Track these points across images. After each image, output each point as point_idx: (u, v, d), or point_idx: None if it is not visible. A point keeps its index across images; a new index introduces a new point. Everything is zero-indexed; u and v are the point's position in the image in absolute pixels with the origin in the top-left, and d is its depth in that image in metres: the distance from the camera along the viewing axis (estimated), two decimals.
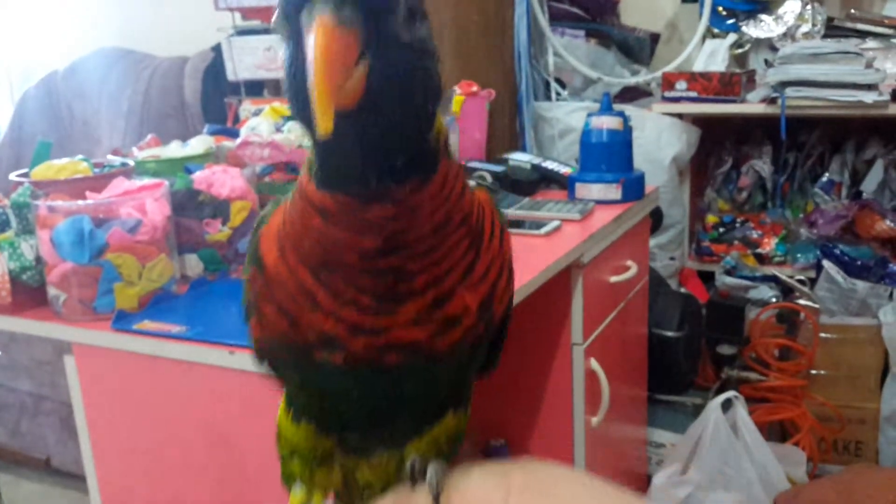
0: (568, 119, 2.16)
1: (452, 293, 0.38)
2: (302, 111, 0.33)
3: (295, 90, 0.33)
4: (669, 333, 1.97)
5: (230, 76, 1.96)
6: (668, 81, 2.26)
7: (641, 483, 1.99)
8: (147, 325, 1.05)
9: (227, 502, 1.07)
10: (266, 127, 1.48)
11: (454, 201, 0.38)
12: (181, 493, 1.11)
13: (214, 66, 2.32)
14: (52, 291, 1.11)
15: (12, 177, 1.24)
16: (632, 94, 2.44)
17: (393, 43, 0.33)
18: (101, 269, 1.07)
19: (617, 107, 1.85)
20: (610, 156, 1.70)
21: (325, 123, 0.31)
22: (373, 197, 0.35)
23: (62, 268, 1.08)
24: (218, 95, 2.19)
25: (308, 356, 0.38)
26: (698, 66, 2.35)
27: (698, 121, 2.32)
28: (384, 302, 0.36)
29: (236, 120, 1.91)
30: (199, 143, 1.38)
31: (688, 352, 2.04)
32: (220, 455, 1.06)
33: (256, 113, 1.64)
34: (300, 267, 0.37)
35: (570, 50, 2.29)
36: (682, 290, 2.25)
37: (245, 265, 0.43)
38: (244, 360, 0.98)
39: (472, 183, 0.43)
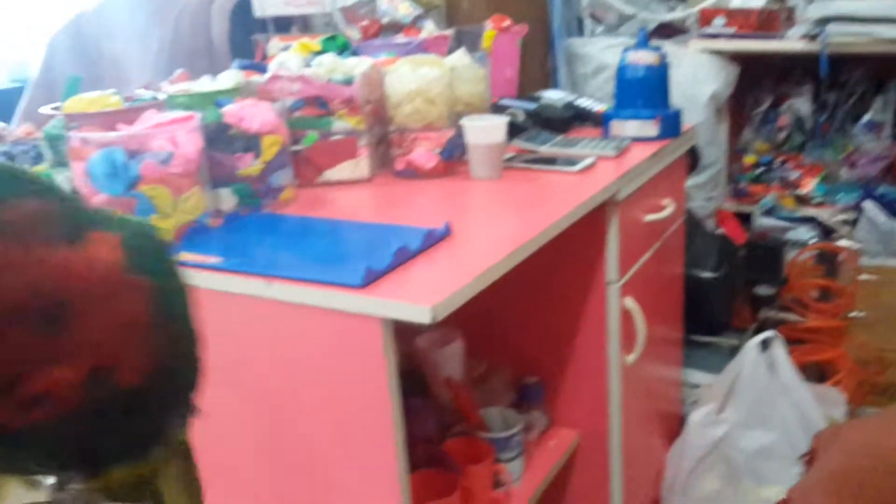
0: (602, 56, 2.11)
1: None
2: None
3: None
4: (706, 275, 1.95)
5: (257, 13, 1.93)
6: (705, 17, 2.19)
7: (676, 423, 1.98)
8: (184, 255, 1.04)
9: (266, 434, 1.08)
10: (295, 62, 1.46)
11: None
12: (214, 422, 1.12)
13: (242, 5, 2.29)
14: None
15: (44, 110, 1.24)
16: (668, 30, 2.38)
17: None
18: (135, 201, 1.07)
19: (653, 43, 1.80)
20: (646, 92, 1.66)
21: None
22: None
23: (97, 199, 1.08)
24: (245, 34, 2.16)
25: None
26: (736, 2, 2.27)
27: (736, 58, 2.26)
28: None
29: (264, 58, 1.89)
30: (229, 78, 1.37)
31: (724, 293, 2.02)
32: (253, 386, 1.06)
33: (285, 49, 1.62)
34: None
35: None
36: (719, 231, 2.22)
37: None
38: (281, 290, 0.98)
39: None
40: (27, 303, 0.32)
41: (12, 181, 0.33)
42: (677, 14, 2.33)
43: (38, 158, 1.15)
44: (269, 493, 1.11)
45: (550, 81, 2.14)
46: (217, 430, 1.12)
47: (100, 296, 0.33)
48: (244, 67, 1.49)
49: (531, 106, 1.76)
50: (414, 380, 1.44)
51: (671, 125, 1.67)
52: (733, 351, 2.03)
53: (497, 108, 1.74)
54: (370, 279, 0.95)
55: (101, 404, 0.35)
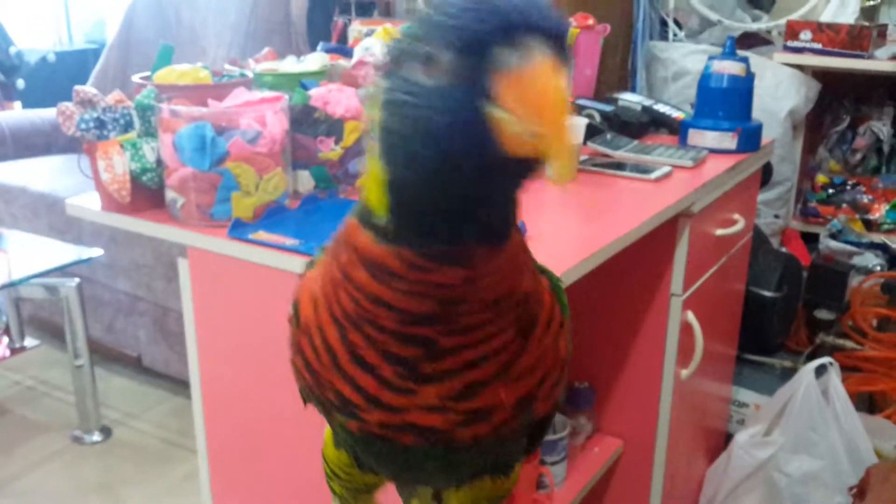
0: (683, 61, 2.07)
1: (485, 384, 0.33)
2: (445, 161, 0.27)
3: (449, 137, 0.28)
4: (767, 293, 1.91)
5: None
6: (791, 30, 2.14)
7: (720, 440, 1.96)
8: (262, 235, 1.06)
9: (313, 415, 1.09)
10: (380, 48, 1.46)
11: (515, 279, 0.33)
12: (281, 404, 1.14)
13: None
14: (170, 195, 1.13)
15: (135, 78, 1.26)
16: (751, 40, 2.33)
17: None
18: (220, 177, 1.08)
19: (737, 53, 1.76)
20: (728, 103, 1.63)
21: (570, 171, 0.27)
22: (450, 258, 0.31)
23: (182, 172, 1.09)
24: (324, 13, 2.17)
25: (328, 414, 0.35)
26: (826, 17, 2.21)
27: (818, 74, 2.20)
28: (405, 379, 0.32)
29: (342, 39, 1.89)
30: (315, 60, 1.37)
31: (783, 314, 1.98)
32: None
33: (368, 34, 1.62)
34: (329, 323, 0.33)
35: None
36: (784, 249, 2.17)
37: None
38: None
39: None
40: (517, 304, 0.31)
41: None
42: (762, 24, 2.27)
43: (127, 126, 1.17)
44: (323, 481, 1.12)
45: (629, 83, 2.11)
46: (284, 408, 1.14)
47: (543, 325, 0.34)
48: (329, 51, 1.49)
49: (608, 108, 1.74)
50: None
51: (751, 139, 1.64)
52: (785, 373, 2.00)
53: (573, 108, 1.73)
54: None
55: (519, 429, 0.35)
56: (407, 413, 0.32)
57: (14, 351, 2.26)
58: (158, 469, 2.05)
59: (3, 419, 2.28)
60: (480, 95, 0.27)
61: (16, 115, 3.11)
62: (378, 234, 0.31)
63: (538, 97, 0.26)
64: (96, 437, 2.17)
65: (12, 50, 3.77)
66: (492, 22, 0.27)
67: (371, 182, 0.31)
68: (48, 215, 2.46)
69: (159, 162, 1.14)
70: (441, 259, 0.31)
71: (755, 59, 2.05)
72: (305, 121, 1.22)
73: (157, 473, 2.03)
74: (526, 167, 0.29)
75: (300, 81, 1.29)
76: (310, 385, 0.35)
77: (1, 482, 2.00)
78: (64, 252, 2.16)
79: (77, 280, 2.08)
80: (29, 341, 2.36)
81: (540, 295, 0.35)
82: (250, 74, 1.29)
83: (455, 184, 0.28)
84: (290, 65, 1.37)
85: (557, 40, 0.28)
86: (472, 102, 0.27)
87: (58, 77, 3.87)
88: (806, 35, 2.11)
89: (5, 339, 2.34)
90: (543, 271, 0.36)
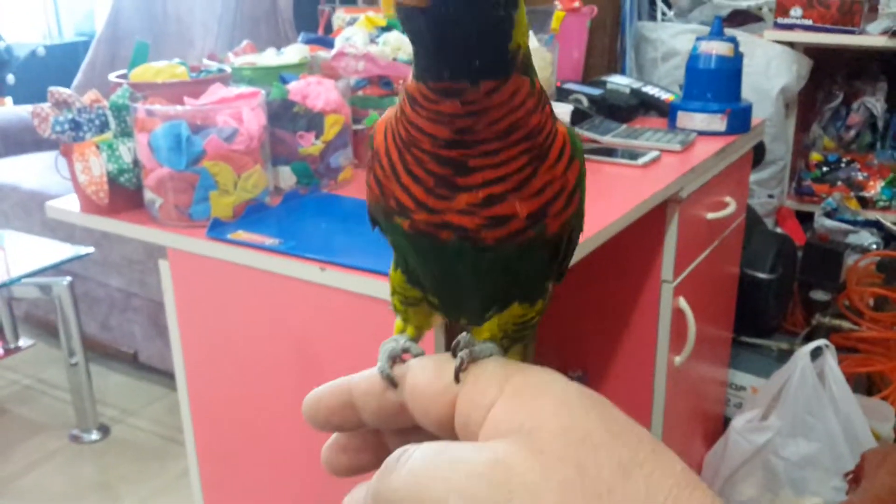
0: (672, 42, 2.04)
1: (503, 198, 0.41)
2: None
3: None
4: (761, 275, 1.90)
5: None
6: (782, 7, 2.11)
7: (718, 424, 1.96)
8: (241, 234, 1.04)
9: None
10: (361, 37, 1.44)
11: (520, 116, 0.41)
12: (264, 398, 1.13)
13: None
14: (148, 195, 1.12)
15: (111, 77, 1.24)
16: (741, 17, 2.30)
17: None
18: (197, 176, 1.07)
19: (726, 31, 1.73)
20: (717, 84, 1.61)
21: (386, 6, 0.40)
22: (447, 92, 0.39)
23: (159, 172, 1.08)
24: (311, 2, 2.15)
25: (390, 219, 0.43)
26: None
27: (810, 51, 2.17)
28: (443, 188, 0.41)
29: (328, 28, 1.87)
30: (294, 53, 1.35)
31: (778, 295, 1.97)
32: (304, 368, 1.07)
33: (351, 22, 1.60)
34: (392, 146, 0.42)
35: None
36: (779, 230, 2.16)
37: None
38: (334, 276, 0.97)
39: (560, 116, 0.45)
40: (527, 135, 0.41)
41: None
42: (752, 1, 2.24)
43: (103, 127, 1.15)
44: (308, 473, 1.12)
45: (618, 65, 2.09)
46: (270, 408, 1.13)
47: (553, 158, 0.42)
48: (309, 41, 1.47)
49: (596, 92, 1.72)
50: None
51: (741, 120, 1.62)
52: (782, 355, 1.99)
53: (561, 93, 1.70)
54: None
55: (530, 242, 0.44)
56: (444, 215, 0.42)
57: (8, 351, 2.26)
58: (156, 466, 2.05)
59: (0, 419, 2.28)
60: None
61: (5, 111, 3.10)
62: (412, 73, 0.40)
63: None
64: (94, 435, 2.16)
65: (1, 45, 3.75)
66: None
67: None
68: (40, 213, 2.44)
69: (136, 162, 1.13)
70: (441, 92, 0.39)
71: (744, 37, 2.03)
72: (285, 115, 1.20)
73: (154, 471, 2.03)
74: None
75: (279, 75, 1.28)
76: (377, 196, 0.44)
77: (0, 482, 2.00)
78: (56, 250, 2.14)
79: (69, 279, 2.07)
80: (23, 341, 2.36)
81: (552, 133, 0.43)
82: (228, 69, 1.27)
83: (435, 28, 0.38)
84: (270, 58, 1.35)
85: None
86: None
87: (48, 71, 3.85)
88: (796, 11, 2.08)
89: None
90: (570, 129, 0.44)
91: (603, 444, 0.31)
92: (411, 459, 0.35)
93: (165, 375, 2.38)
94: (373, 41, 1.48)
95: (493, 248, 0.43)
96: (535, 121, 0.42)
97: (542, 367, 0.40)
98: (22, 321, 2.52)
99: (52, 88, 1.18)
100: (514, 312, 0.49)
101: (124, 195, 1.15)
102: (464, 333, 0.47)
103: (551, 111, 0.43)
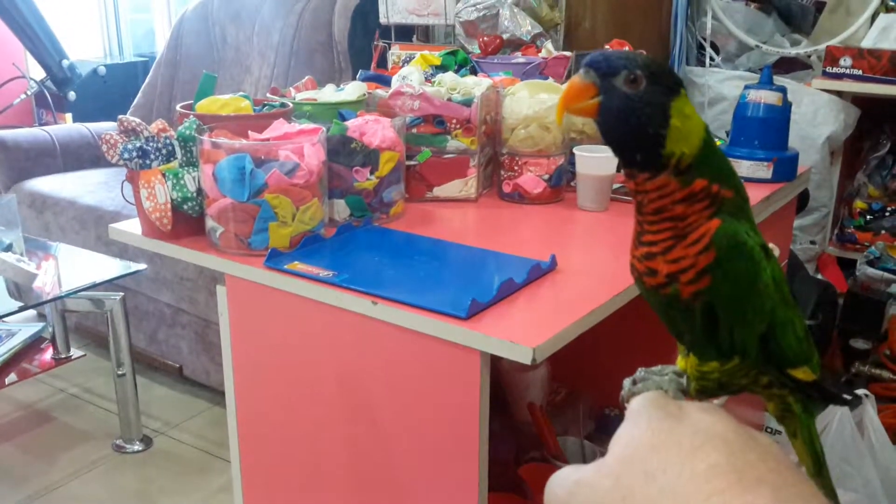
0: (720, 87, 2.07)
1: (653, 256, 0.57)
2: None
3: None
4: None
5: (382, 19, 1.97)
6: (831, 56, 2.12)
7: None
8: (297, 266, 1.09)
9: (355, 445, 1.12)
10: (417, 76, 1.49)
11: (665, 204, 0.56)
12: (312, 427, 1.17)
13: (364, 6, 2.35)
14: (209, 223, 1.17)
15: (179, 108, 1.31)
16: (788, 64, 2.32)
17: (614, 92, 0.55)
18: (258, 208, 1.12)
19: (773, 79, 1.75)
20: (764, 132, 1.63)
21: (558, 118, 0.60)
22: (628, 174, 0.57)
23: (222, 203, 1.13)
24: (365, 36, 2.21)
25: (633, 273, 0.60)
26: (867, 42, 2.19)
27: (857, 100, 2.18)
28: (637, 239, 0.59)
29: (381, 62, 1.93)
30: (353, 90, 1.41)
31: (818, 342, 1.96)
32: (351, 398, 1.10)
33: (407, 60, 1.65)
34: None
35: (728, 13, 2.18)
36: (819, 276, 2.15)
37: None
38: (385, 311, 1.01)
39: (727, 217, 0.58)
40: (672, 218, 0.56)
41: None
42: (801, 49, 2.26)
43: (169, 156, 1.21)
44: (350, 498, 1.15)
45: None
46: (315, 433, 1.17)
47: (691, 239, 0.56)
48: (367, 79, 1.52)
49: None
50: (494, 400, 1.46)
51: (787, 169, 1.64)
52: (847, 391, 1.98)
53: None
54: (474, 311, 0.98)
55: (670, 297, 0.58)
56: (635, 259, 0.59)
57: (59, 361, 2.33)
58: (196, 480, 2.10)
59: (47, 427, 2.35)
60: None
61: (66, 127, 3.21)
62: None
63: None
64: (137, 446, 2.22)
65: (64, 63, 3.88)
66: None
67: None
68: (95, 228, 2.54)
69: (200, 191, 1.18)
70: (627, 175, 0.57)
71: (792, 85, 2.05)
72: (342, 151, 1.25)
73: (194, 484, 2.08)
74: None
75: (338, 111, 1.33)
76: (630, 257, 0.60)
77: (43, 489, 2.06)
78: (110, 266, 2.22)
79: (122, 294, 2.15)
80: (74, 351, 2.43)
81: (696, 224, 0.55)
82: (290, 104, 1.33)
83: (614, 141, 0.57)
84: (329, 94, 1.41)
85: (590, 67, 0.56)
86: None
87: (108, 90, 3.98)
88: (846, 61, 2.09)
89: (50, 349, 2.41)
90: (732, 228, 0.56)
91: (640, 458, 0.37)
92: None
93: (209, 390, 2.44)
94: (427, 79, 1.53)
95: (653, 291, 0.58)
96: (678, 210, 0.56)
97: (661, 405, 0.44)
98: (72, 331, 2.61)
99: (122, 117, 1.25)
100: (692, 360, 0.62)
101: (186, 221, 1.21)
102: (641, 368, 0.63)
103: (708, 207, 0.56)
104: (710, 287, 0.57)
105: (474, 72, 1.68)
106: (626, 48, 1.83)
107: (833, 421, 1.73)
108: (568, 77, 1.68)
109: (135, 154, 1.20)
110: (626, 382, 0.63)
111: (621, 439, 0.40)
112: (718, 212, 0.56)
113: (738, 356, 0.61)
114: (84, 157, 3.04)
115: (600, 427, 1.55)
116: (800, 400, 0.67)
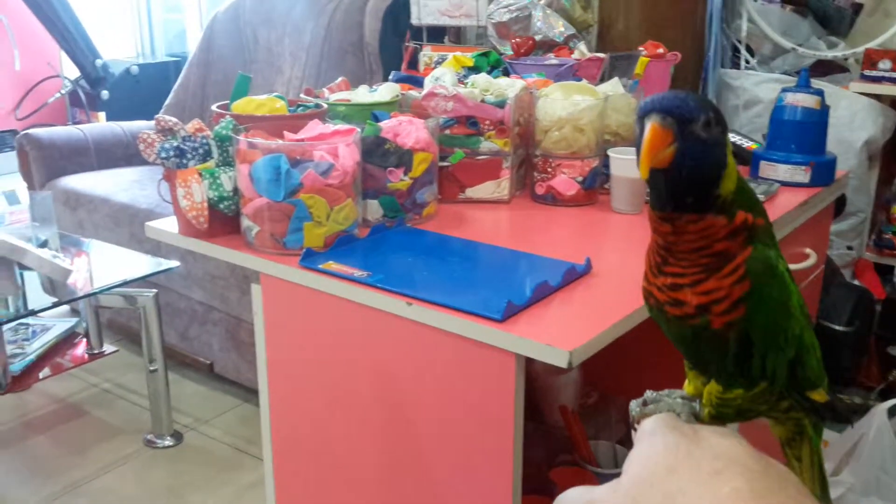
0: (755, 90, 2.04)
1: (681, 288, 0.57)
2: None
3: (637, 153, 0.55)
4: (838, 327, 1.87)
5: (413, 20, 1.97)
6: (869, 59, 2.09)
7: None
8: (332, 265, 1.09)
9: (389, 446, 1.12)
10: (450, 78, 1.49)
11: (707, 243, 0.56)
12: (345, 426, 1.17)
13: (395, 8, 2.35)
14: (245, 222, 1.18)
15: (215, 108, 1.32)
16: (825, 67, 2.28)
17: (692, 138, 0.53)
18: (293, 208, 1.12)
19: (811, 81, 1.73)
20: (801, 136, 1.61)
21: (644, 172, 0.54)
22: (664, 219, 0.56)
23: (257, 202, 1.14)
24: (396, 37, 2.21)
25: (647, 300, 0.61)
26: None
27: None
28: (656, 269, 0.58)
29: (412, 63, 1.93)
30: (387, 91, 1.41)
31: (854, 348, 1.93)
32: (385, 398, 1.10)
33: (439, 61, 1.65)
34: (652, 250, 0.59)
35: (763, 15, 2.15)
36: (856, 282, 2.12)
37: None
38: (420, 312, 1.01)
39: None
40: (709, 256, 0.56)
41: None
42: (838, 52, 2.23)
43: (206, 155, 1.22)
44: (381, 498, 1.15)
45: None
46: (348, 433, 1.18)
47: (726, 271, 0.55)
48: (399, 80, 1.52)
49: None
50: (526, 402, 1.45)
51: (824, 173, 1.61)
52: (856, 410, 1.95)
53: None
54: (510, 313, 0.97)
55: (698, 327, 0.57)
56: (653, 287, 0.59)
57: (92, 356, 2.36)
58: (226, 476, 2.12)
59: (79, 421, 2.38)
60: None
61: (99, 126, 3.25)
62: (650, 201, 0.58)
63: (647, 137, 0.53)
64: (168, 441, 2.25)
65: (98, 62, 3.94)
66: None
67: None
68: (129, 225, 2.57)
69: (236, 191, 1.19)
70: (661, 219, 0.56)
71: (830, 88, 2.02)
72: (376, 152, 1.25)
73: (224, 480, 2.10)
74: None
75: (372, 112, 1.33)
76: (644, 284, 0.61)
77: (74, 482, 2.09)
78: (143, 263, 2.25)
79: (154, 291, 2.17)
80: (107, 346, 2.46)
81: (732, 256, 0.55)
82: (325, 105, 1.34)
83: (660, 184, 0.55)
84: (363, 95, 1.41)
85: (668, 113, 0.53)
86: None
87: (140, 89, 4.03)
88: (885, 64, 2.06)
89: (84, 344, 2.44)
90: (763, 254, 0.56)
91: (658, 480, 0.37)
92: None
93: (239, 387, 2.45)
94: (460, 81, 1.53)
95: (675, 322, 0.58)
96: (719, 247, 0.56)
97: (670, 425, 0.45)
98: (105, 327, 2.64)
99: (159, 116, 1.26)
100: (712, 387, 0.62)
101: (221, 220, 1.22)
102: (648, 390, 0.62)
103: (746, 239, 0.56)
104: (744, 316, 0.56)
105: (507, 73, 1.67)
106: (660, 49, 1.81)
107: (870, 430, 1.71)
108: (602, 79, 1.66)
109: (172, 153, 1.21)
110: (634, 404, 0.62)
111: (636, 460, 0.40)
112: (751, 240, 0.56)
113: (765, 382, 0.60)
114: (117, 155, 3.08)
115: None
116: (812, 422, 0.66)
